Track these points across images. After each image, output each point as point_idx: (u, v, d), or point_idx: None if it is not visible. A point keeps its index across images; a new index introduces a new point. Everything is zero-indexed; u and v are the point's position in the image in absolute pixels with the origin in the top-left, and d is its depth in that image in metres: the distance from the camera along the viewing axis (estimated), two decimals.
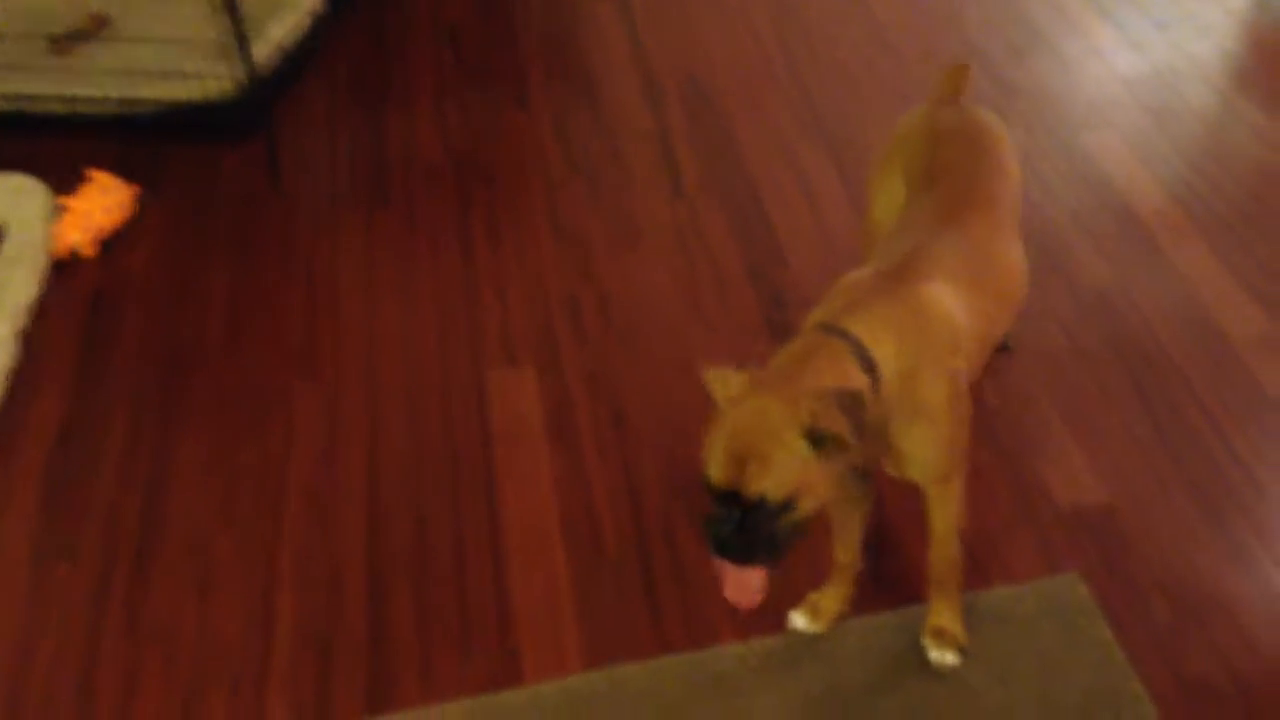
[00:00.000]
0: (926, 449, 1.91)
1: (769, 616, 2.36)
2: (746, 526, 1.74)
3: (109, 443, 2.79)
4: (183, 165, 3.61)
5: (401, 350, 2.97)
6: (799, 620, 2.30)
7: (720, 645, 2.32)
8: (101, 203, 3.29)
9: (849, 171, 3.38)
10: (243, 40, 3.47)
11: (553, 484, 2.64)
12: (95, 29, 3.87)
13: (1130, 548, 2.43)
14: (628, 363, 2.89)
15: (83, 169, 3.56)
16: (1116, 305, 2.91)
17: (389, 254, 3.25)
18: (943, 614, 2.24)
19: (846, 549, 2.24)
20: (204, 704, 2.30)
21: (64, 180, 3.47)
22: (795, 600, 2.38)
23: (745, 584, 1.82)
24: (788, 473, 1.70)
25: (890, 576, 2.41)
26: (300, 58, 3.95)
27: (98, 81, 3.69)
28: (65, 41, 3.81)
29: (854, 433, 1.70)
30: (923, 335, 1.86)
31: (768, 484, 1.70)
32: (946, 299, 1.92)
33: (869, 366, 1.80)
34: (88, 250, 3.26)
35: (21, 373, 2.96)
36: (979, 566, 2.41)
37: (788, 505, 1.72)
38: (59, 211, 3.29)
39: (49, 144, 3.67)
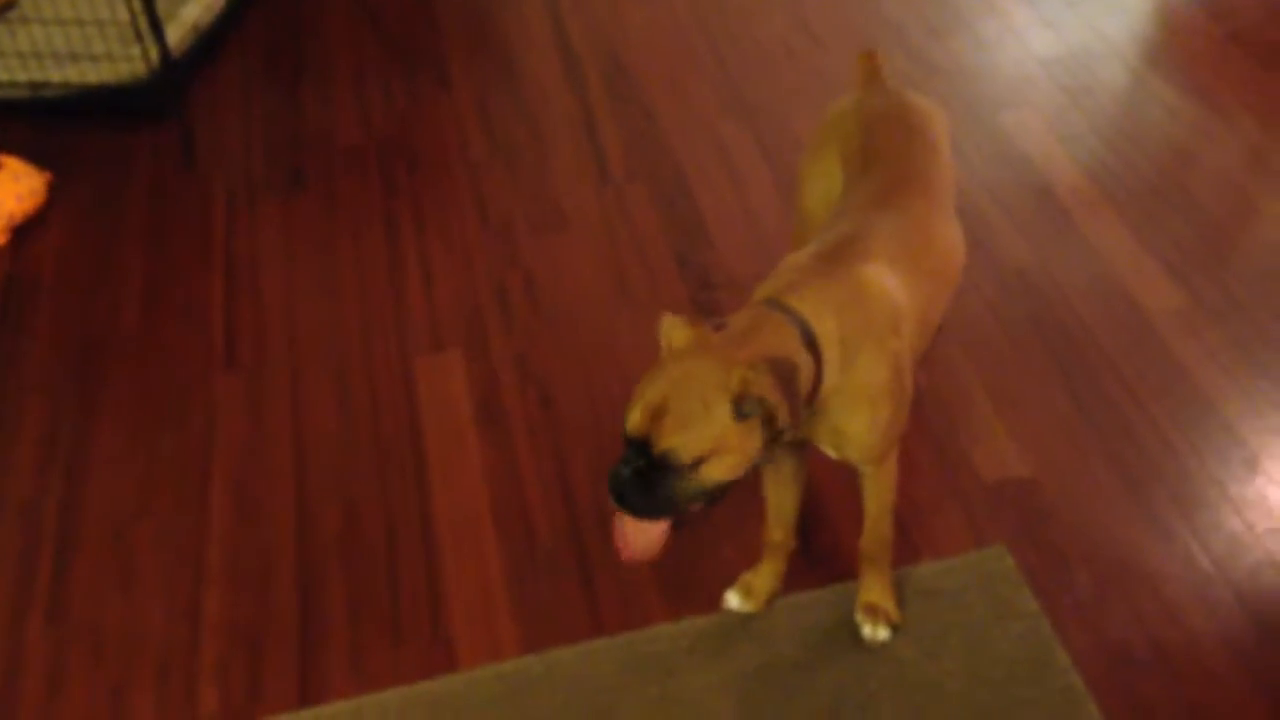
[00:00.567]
0: (865, 430, 1.92)
1: (702, 597, 2.37)
2: (648, 480, 1.75)
3: (24, 433, 2.73)
4: (95, 150, 3.53)
5: (325, 337, 2.93)
6: (733, 600, 2.32)
7: (654, 626, 2.32)
8: (13, 190, 3.21)
9: (772, 151, 3.40)
10: (156, 22, 3.40)
11: (483, 469, 2.63)
12: (0, 9, 3.77)
13: (1053, 520, 2.47)
14: (555, 346, 2.88)
15: None
16: (1036, 281, 2.96)
17: (309, 238, 3.20)
18: (874, 590, 2.26)
19: (780, 528, 2.25)
20: (132, 697, 2.26)
21: None
22: (728, 580, 2.39)
23: (636, 538, 1.82)
24: (701, 436, 1.71)
25: (821, 553, 2.43)
26: (215, 39, 3.87)
27: (6, 64, 3.59)
28: None
29: (787, 403, 1.71)
30: (863, 315, 1.88)
31: (677, 441, 1.70)
32: (886, 279, 1.94)
33: (810, 342, 1.81)
34: None
35: None
36: (908, 541, 2.44)
37: (694, 466, 1.73)
38: None
39: None
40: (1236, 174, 3.23)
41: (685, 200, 3.26)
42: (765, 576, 2.31)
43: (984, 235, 3.09)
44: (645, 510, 1.77)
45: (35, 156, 3.50)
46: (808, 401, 1.83)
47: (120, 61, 3.58)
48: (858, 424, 1.91)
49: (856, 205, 2.08)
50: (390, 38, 3.95)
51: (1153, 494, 2.51)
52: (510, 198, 3.30)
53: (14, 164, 3.26)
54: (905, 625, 2.29)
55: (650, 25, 3.94)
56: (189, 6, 3.75)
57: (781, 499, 2.22)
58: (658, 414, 1.72)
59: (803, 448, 2.17)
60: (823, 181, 2.30)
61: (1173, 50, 3.69)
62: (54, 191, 3.38)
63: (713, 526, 2.48)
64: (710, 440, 1.71)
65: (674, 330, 1.80)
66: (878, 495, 2.12)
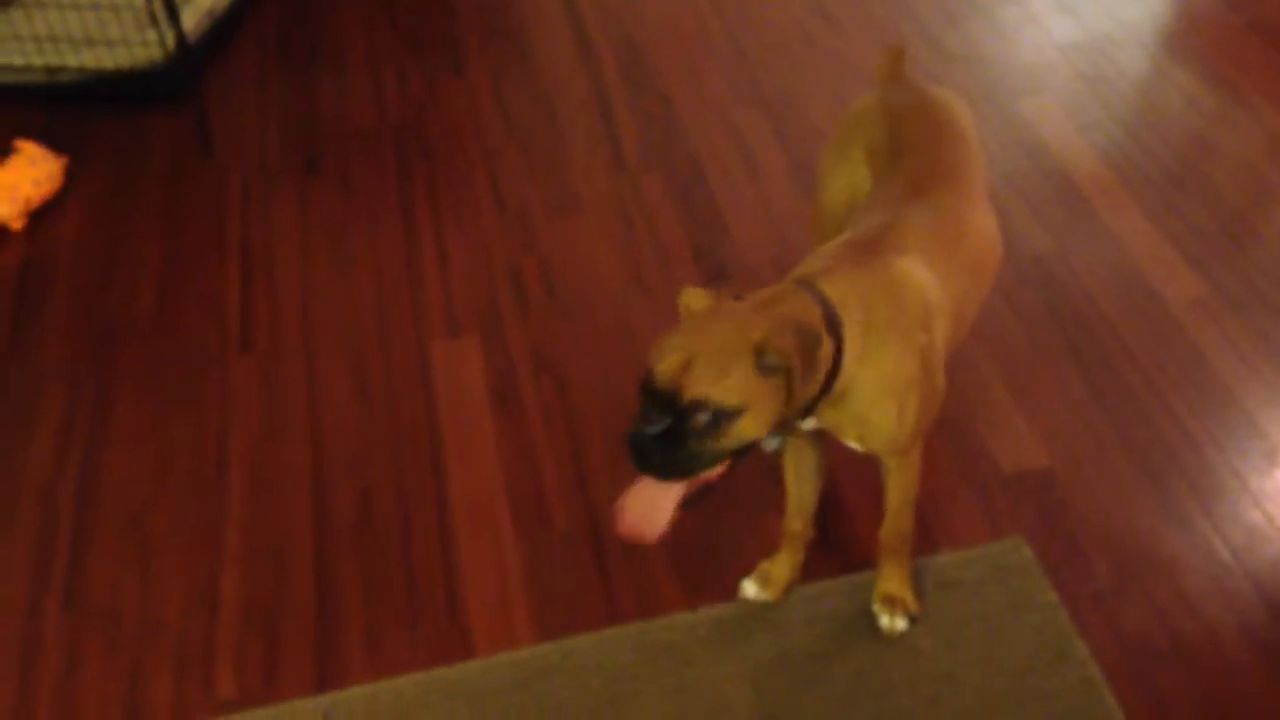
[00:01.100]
0: (891, 421, 1.91)
1: (719, 586, 2.37)
2: (673, 437, 1.69)
3: (41, 418, 2.74)
4: (111, 135, 3.53)
5: (341, 322, 2.93)
6: (750, 589, 2.31)
7: (670, 614, 2.32)
8: (30, 174, 3.21)
9: (789, 139, 3.38)
10: (171, 7, 3.39)
11: (499, 454, 2.62)
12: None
13: (1072, 510, 2.46)
14: (571, 332, 2.87)
15: (9, 140, 3.47)
16: (1054, 270, 2.95)
17: (325, 223, 3.20)
18: (893, 580, 2.26)
19: (800, 518, 2.24)
20: (149, 681, 2.27)
21: None
22: (746, 569, 2.39)
23: (644, 515, 1.76)
24: (729, 387, 1.67)
25: (839, 542, 2.42)
26: (230, 23, 3.87)
27: (22, 49, 3.59)
28: None
29: (804, 365, 1.70)
30: (892, 307, 1.86)
31: (708, 389, 1.67)
32: (919, 272, 1.92)
33: (833, 325, 1.80)
34: (16, 223, 3.18)
35: None
36: (926, 532, 2.43)
37: (719, 420, 1.68)
38: None
39: None
40: (1257, 162, 3.20)
41: (701, 187, 3.24)
42: (783, 566, 2.31)
43: (1002, 223, 3.07)
44: (668, 470, 1.71)
45: (51, 141, 3.50)
46: (824, 387, 1.81)
47: (136, 46, 3.57)
48: (884, 415, 1.90)
49: (889, 198, 2.06)
50: (405, 23, 3.94)
51: (1172, 485, 2.50)
52: (525, 183, 3.29)
53: (30, 149, 3.26)
54: (923, 616, 2.29)
55: (666, 10, 3.92)
56: None
57: (802, 491, 2.21)
58: (686, 364, 1.68)
59: (823, 439, 2.16)
60: (845, 178, 2.28)
61: (1192, 37, 3.66)
62: (70, 176, 3.38)
63: (730, 516, 2.48)
64: (738, 393, 1.68)
65: (694, 299, 1.79)
66: (900, 488, 2.11)
